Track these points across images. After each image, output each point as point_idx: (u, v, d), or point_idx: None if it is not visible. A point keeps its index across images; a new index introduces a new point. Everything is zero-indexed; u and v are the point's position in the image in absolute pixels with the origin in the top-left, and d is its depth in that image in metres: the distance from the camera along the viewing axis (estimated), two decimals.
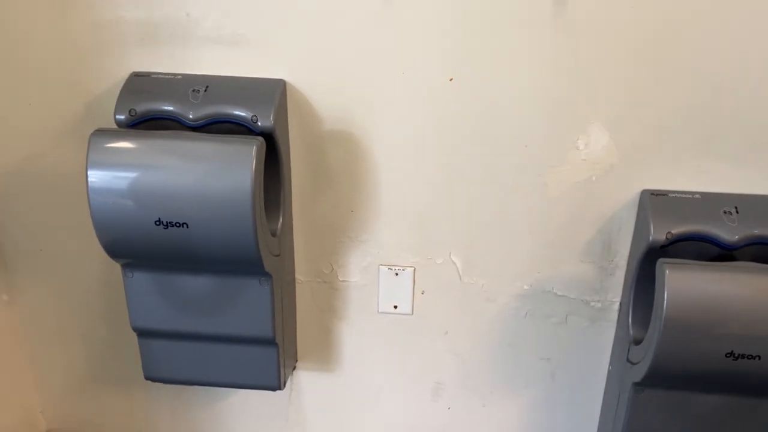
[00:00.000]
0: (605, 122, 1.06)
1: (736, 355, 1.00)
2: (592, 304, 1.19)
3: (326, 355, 1.31)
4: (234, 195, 0.96)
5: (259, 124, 1.02)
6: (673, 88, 1.03)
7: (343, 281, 1.23)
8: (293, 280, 1.24)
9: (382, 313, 1.25)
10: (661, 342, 1.00)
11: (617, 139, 1.07)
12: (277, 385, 1.21)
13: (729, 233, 1.04)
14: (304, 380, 1.34)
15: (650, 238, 1.05)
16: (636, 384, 1.10)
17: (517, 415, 1.32)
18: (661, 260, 1.01)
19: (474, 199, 1.14)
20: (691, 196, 1.08)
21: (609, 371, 1.25)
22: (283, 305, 1.17)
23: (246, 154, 0.95)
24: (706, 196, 1.08)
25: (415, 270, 1.21)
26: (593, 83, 1.04)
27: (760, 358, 0.99)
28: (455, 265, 1.20)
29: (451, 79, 1.05)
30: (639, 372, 1.07)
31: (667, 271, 0.99)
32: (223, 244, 1.00)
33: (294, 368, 1.32)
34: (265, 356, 1.18)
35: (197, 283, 1.10)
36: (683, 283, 0.99)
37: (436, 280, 1.22)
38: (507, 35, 1.02)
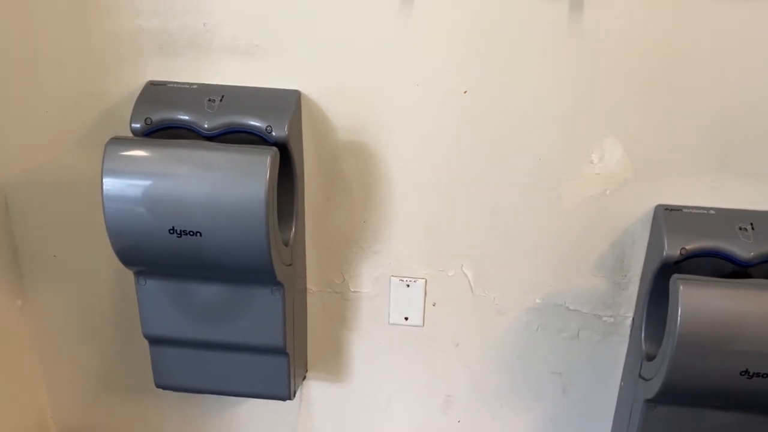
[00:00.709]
0: (619, 136, 1.05)
1: (750, 374, 0.99)
2: (605, 318, 1.19)
3: (336, 365, 1.31)
4: (248, 205, 0.96)
5: (274, 134, 1.03)
6: (688, 102, 1.02)
7: (355, 292, 1.23)
8: (305, 289, 1.24)
9: (392, 324, 1.25)
10: (674, 359, 0.99)
11: (631, 153, 1.06)
12: (287, 395, 1.20)
13: (744, 250, 1.03)
14: (314, 390, 1.34)
15: (664, 253, 1.04)
16: (648, 400, 1.09)
17: (527, 429, 1.31)
18: (675, 276, 1.00)
19: (487, 211, 1.14)
20: (705, 211, 1.07)
21: (621, 387, 1.24)
22: (294, 315, 1.17)
23: (260, 164, 0.95)
24: (721, 212, 1.07)
25: (426, 282, 1.21)
26: (608, 97, 1.03)
27: None
28: (467, 277, 1.19)
29: (465, 92, 1.05)
30: (652, 388, 1.06)
31: (681, 287, 0.98)
32: (236, 253, 1.00)
33: (304, 378, 1.32)
34: (275, 366, 1.18)
35: (209, 292, 1.10)
36: (697, 300, 0.98)
37: (447, 292, 1.21)
38: (522, 49, 1.02)
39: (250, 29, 1.05)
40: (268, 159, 0.95)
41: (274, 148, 0.98)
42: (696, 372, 1.01)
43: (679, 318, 0.97)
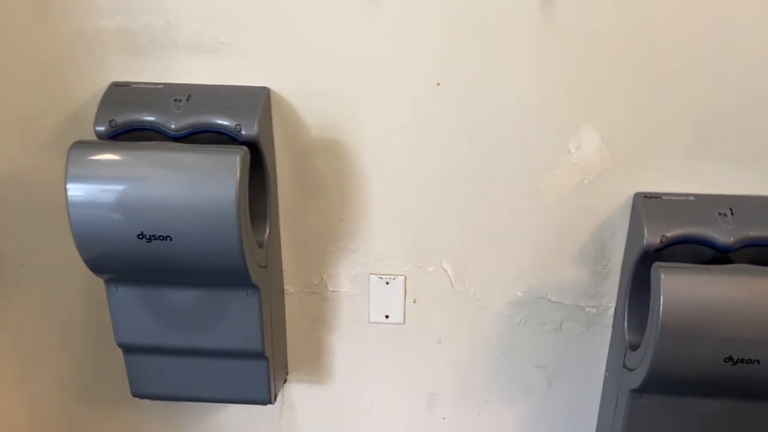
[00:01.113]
0: (596, 125, 1.04)
1: (735, 360, 0.98)
2: (587, 309, 1.17)
3: (317, 367, 1.28)
4: (218, 206, 0.93)
5: (243, 133, 1.00)
6: (665, 89, 1.01)
7: (333, 291, 1.21)
8: (282, 291, 1.21)
9: (373, 323, 1.23)
10: (657, 348, 0.98)
11: (609, 142, 1.05)
12: (267, 398, 1.18)
13: (724, 235, 1.02)
14: (295, 393, 1.31)
15: (644, 241, 1.03)
16: (633, 390, 1.08)
17: (513, 423, 1.29)
18: (656, 264, 0.99)
19: (465, 205, 1.12)
20: (684, 198, 1.06)
21: (606, 377, 1.23)
22: (272, 317, 1.15)
23: (230, 164, 0.93)
24: (700, 198, 1.06)
25: (406, 278, 1.19)
26: (584, 86, 1.02)
27: (759, 362, 0.97)
28: (447, 272, 1.17)
29: (438, 84, 1.03)
30: (636, 378, 1.05)
31: (663, 275, 0.97)
32: (207, 256, 0.97)
33: (285, 381, 1.30)
34: (254, 370, 1.15)
35: (183, 297, 1.08)
36: (679, 287, 0.97)
37: (427, 288, 1.19)
38: (495, 40, 1.00)
39: (216, 26, 1.02)
40: (238, 158, 0.93)
41: (244, 147, 0.95)
42: (680, 360, 0.99)
43: (661, 306, 0.96)
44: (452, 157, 1.08)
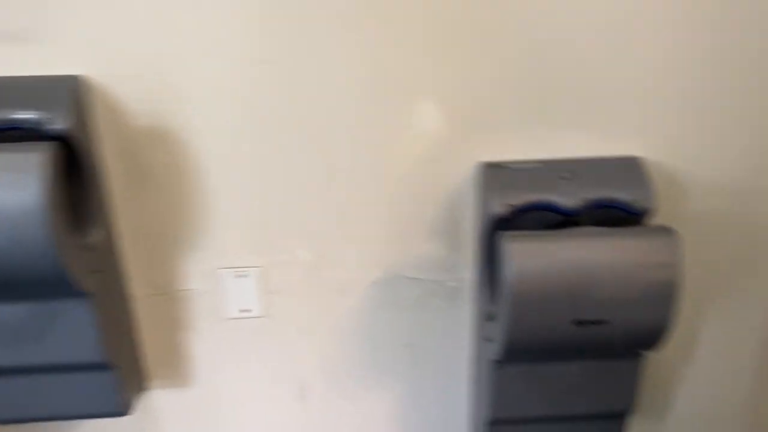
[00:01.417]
0: (434, 96, 1.02)
1: (584, 322, 0.99)
2: (448, 284, 1.16)
3: (178, 370, 1.21)
4: (25, 211, 0.84)
5: (52, 127, 0.91)
6: (497, 57, 1.00)
7: (183, 290, 1.14)
8: (125, 295, 1.13)
9: (231, 319, 1.17)
10: (510, 317, 0.98)
11: (448, 113, 1.03)
12: (120, 410, 1.10)
13: (568, 199, 1.03)
14: (157, 400, 1.24)
15: (491, 211, 1.02)
16: (495, 361, 1.07)
17: (386, 406, 1.27)
18: (501, 233, 0.98)
19: (312, 190, 1.07)
20: (528, 165, 1.06)
21: (471, 351, 1.22)
22: (116, 324, 1.07)
23: (32, 163, 0.84)
24: (542, 163, 1.06)
25: (260, 270, 1.13)
26: (417, 58, 0.99)
27: (606, 323, 0.99)
28: (303, 260, 1.13)
29: (262, 63, 0.97)
30: (495, 349, 1.04)
31: (508, 244, 0.97)
32: (22, 267, 0.88)
33: (144, 389, 1.22)
34: (101, 381, 1.07)
35: (7, 312, 0.98)
36: (525, 255, 0.97)
37: (284, 278, 1.14)
38: (320, 14, 0.95)
39: (15, 9, 0.92)
40: (41, 156, 0.84)
41: (51, 143, 0.87)
42: (533, 327, 0.99)
43: (509, 275, 0.96)
44: (291, 141, 1.03)
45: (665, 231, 0.98)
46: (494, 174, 1.04)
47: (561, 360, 1.08)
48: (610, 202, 1.03)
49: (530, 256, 0.97)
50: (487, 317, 1.09)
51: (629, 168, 1.05)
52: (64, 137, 0.91)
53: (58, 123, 0.91)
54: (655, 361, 1.25)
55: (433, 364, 1.23)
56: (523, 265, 0.96)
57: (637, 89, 1.03)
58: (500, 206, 1.02)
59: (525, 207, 1.03)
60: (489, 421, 1.16)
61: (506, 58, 0.99)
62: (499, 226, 1.02)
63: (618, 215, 1.03)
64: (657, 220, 1.04)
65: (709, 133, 1.07)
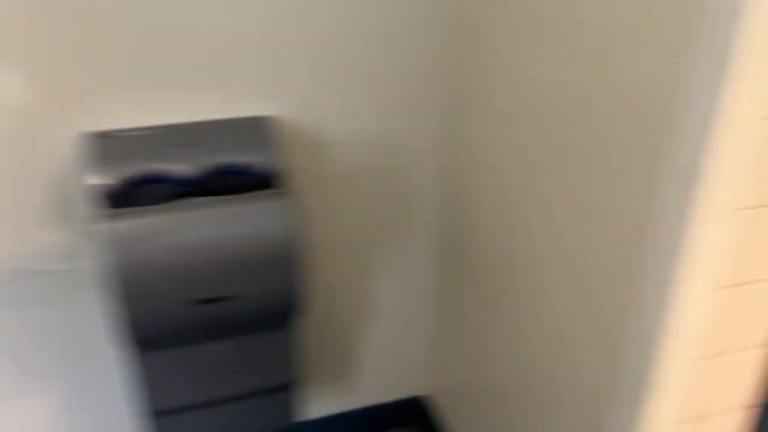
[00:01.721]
0: (16, 62, 0.87)
1: (205, 300, 0.91)
2: (75, 272, 1.02)
3: None
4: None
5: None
6: (91, 19, 0.87)
7: None
8: None
9: None
10: (118, 303, 0.87)
11: (38, 80, 0.88)
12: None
13: (186, 166, 0.93)
14: None
15: (99, 186, 0.90)
16: (131, 350, 0.97)
17: (43, 411, 1.12)
18: (93, 215, 0.87)
19: None
20: (139, 133, 0.94)
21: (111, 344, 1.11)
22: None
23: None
24: (155, 130, 0.95)
25: None
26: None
27: (230, 299, 0.92)
28: None
29: None
30: (121, 338, 0.94)
31: (100, 225, 0.85)
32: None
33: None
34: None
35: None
36: (123, 235, 0.86)
37: None
38: None
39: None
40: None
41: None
42: (148, 312, 0.90)
43: (105, 259, 0.85)
44: None
45: (282, 195, 0.92)
46: (101, 145, 0.92)
47: (207, 341, 1.00)
48: (234, 168, 0.95)
49: (129, 236, 0.86)
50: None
51: (255, 129, 0.97)
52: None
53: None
54: (335, 323, 1.21)
55: (86, 361, 1.10)
56: (121, 247, 0.86)
57: (258, 46, 0.95)
58: (108, 179, 0.90)
59: (136, 179, 0.92)
60: (150, 413, 1.06)
61: (99, 19, 0.87)
62: (114, 203, 0.91)
63: (246, 181, 0.95)
64: (299, 182, 0.97)
65: (341, 90, 1.02)
